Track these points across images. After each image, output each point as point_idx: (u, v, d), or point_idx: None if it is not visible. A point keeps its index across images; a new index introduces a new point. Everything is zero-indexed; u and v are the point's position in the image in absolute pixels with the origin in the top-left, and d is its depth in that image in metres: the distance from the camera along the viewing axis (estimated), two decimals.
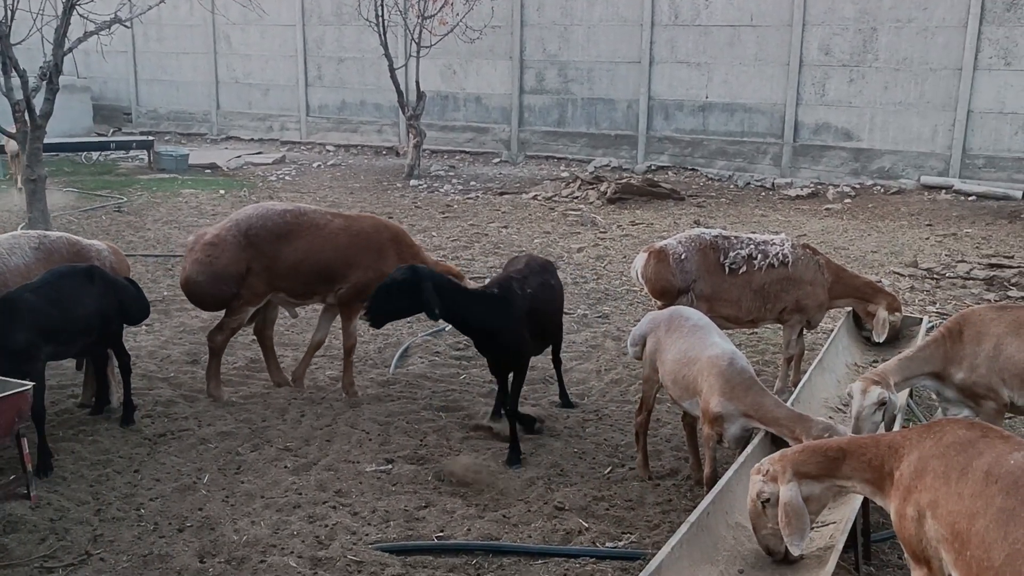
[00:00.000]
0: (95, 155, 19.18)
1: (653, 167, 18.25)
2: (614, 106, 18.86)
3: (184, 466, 5.44)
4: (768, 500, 3.56)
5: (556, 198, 15.58)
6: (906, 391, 5.31)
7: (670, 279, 6.55)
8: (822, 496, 3.57)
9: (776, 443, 4.46)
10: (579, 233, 12.87)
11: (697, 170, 17.92)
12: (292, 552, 4.50)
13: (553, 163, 19.29)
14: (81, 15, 11.24)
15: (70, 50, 11.19)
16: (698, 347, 4.92)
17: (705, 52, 17.71)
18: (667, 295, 6.59)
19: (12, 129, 10.99)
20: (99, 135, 21.83)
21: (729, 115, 17.72)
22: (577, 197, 15.57)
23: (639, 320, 8.54)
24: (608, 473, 5.50)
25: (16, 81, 10.76)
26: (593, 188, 15.72)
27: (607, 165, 18.49)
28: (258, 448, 5.76)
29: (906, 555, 3.23)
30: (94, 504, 4.95)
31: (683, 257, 6.55)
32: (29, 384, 4.83)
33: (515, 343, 5.60)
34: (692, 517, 3.59)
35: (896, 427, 4.63)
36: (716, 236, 6.70)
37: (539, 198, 15.64)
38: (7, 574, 4.26)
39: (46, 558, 4.40)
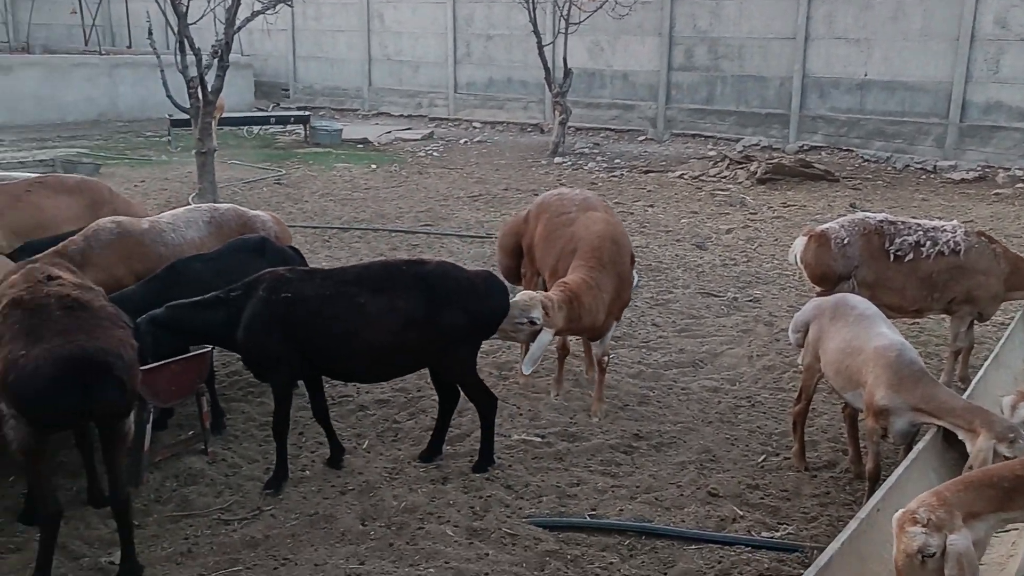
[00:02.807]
0: (256, 129, 20.10)
1: (805, 147, 17.61)
2: (766, 83, 18.29)
3: (345, 431, 5.66)
4: (933, 555, 2.97)
5: (703, 177, 15.28)
6: None
7: (831, 264, 6.33)
8: (986, 537, 3.16)
9: (949, 440, 4.25)
10: (728, 214, 12.59)
11: (852, 151, 17.17)
12: (448, 521, 4.63)
13: (700, 142, 18.90)
14: None
15: (239, 28, 11.75)
16: (864, 337, 4.74)
17: (865, 27, 16.89)
18: (827, 281, 6.38)
19: (186, 104, 11.65)
20: (260, 110, 22.86)
21: (889, 93, 16.87)
22: (725, 177, 15.22)
23: (792, 305, 8.39)
24: (762, 461, 5.39)
25: (191, 59, 11.40)
26: (742, 168, 15.32)
27: (757, 144, 17.97)
28: (414, 417, 5.94)
29: None
30: (263, 463, 5.23)
31: (845, 242, 6.32)
32: (208, 347, 5.14)
33: (246, 351, 4.87)
34: (862, 513, 3.47)
35: None
36: (882, 221, 6.41)
37: (686, 177, 15.38)
38: (189, 523, 4.56)
39: (223, 511, 4.69)
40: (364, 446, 5.50)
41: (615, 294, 5.76)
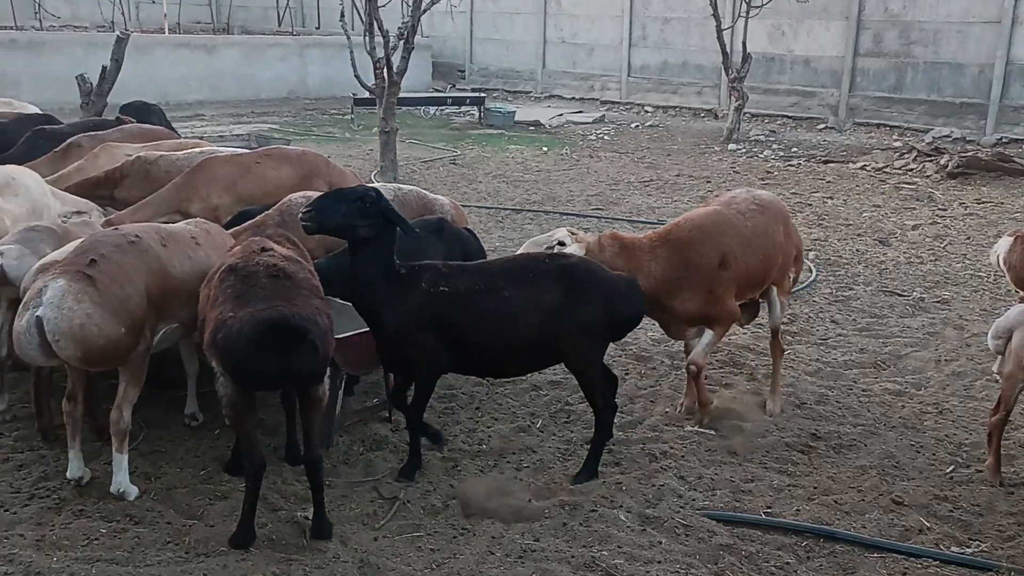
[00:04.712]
0: (432, 110, 20.65)
1: (1004, 140, 16.44)
2: (962, 71, 17.18)
3: (519, 409, 5.79)
4: None
5: (888, 169, 14.57)
6: None
7: None
8: None
9: None
10: (914, 209, 11.96)
11: None
12: (621, 506, 4.65)
13: (884, 131, 17.99)
14: None
15: (425, 10, 12.09)
16: None
17: None
18: None
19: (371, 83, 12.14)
20: (436, 91, 23.47)
21: None
22: (912, 169, 14.45)
23: (986, 309, 7.90)
24: (951, 472, 5.12)
25: (378, 40, 11.85)
26: (931, 160, 14.50)
27: (948, 136, 16.89)
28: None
29: None
30: (443, 433, 5.42)
31: None
32: None
33: (396, 336, 4.71)
34: None
35: None
36: None
37: (868, 168, 14.71)
38: (374, 484, 4.80)
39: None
40: (538, 425, 5.60)
41: (676, 279, 5.26)
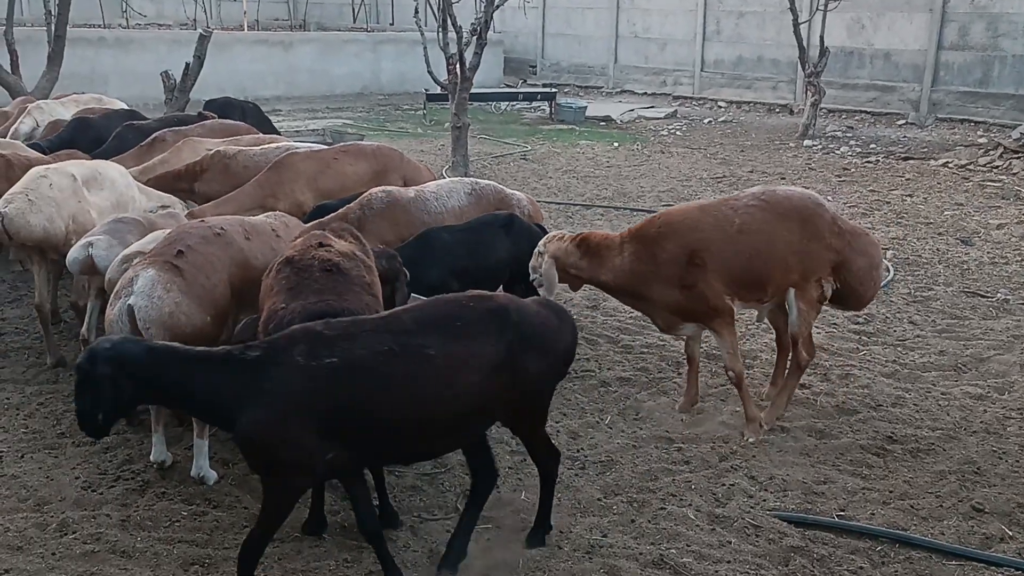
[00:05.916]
0: (503, 105, 20.71)
1: None
2: None
3: (588, 405, 5.80)
4: None
5: (971, 166, 14.13)
6: None
7: None
8: None
9: None
10: (999, 207, 11.58)
11: None
12: (690, 504, 4.63)
13: (968, 127, 17.42)
14: None
15: (498, 6, 12.15)
16: None
17: None
18: None
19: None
20: (508, 86, 23.53)
21: None
22: (998, 167, 13.99)
23: None
24: None
25: (452, 36, 11.94)
26: (1019, 157, 14.03)
27: None
28: (654, 397, 5.97)
29: None
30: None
31: None
32: None
33: (269, 446, 3.43)
34: None
35: None
36: None
37: (950, 166, 14.28)
38: (443, 479, 4.86)
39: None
40: (607, 421, 5.60)
41: (645, 273, 5.16)
